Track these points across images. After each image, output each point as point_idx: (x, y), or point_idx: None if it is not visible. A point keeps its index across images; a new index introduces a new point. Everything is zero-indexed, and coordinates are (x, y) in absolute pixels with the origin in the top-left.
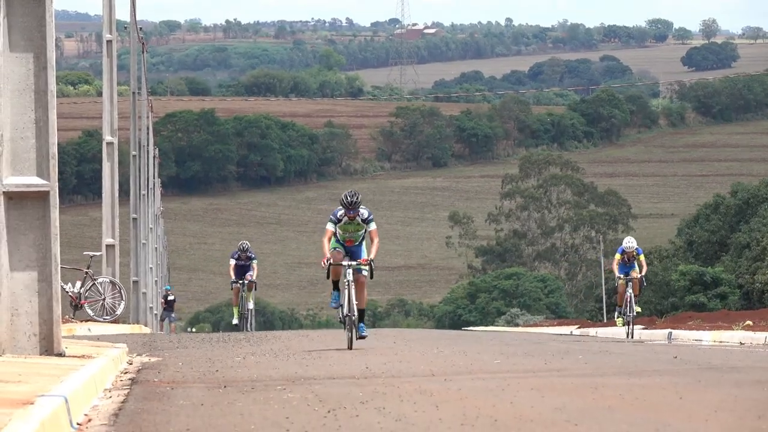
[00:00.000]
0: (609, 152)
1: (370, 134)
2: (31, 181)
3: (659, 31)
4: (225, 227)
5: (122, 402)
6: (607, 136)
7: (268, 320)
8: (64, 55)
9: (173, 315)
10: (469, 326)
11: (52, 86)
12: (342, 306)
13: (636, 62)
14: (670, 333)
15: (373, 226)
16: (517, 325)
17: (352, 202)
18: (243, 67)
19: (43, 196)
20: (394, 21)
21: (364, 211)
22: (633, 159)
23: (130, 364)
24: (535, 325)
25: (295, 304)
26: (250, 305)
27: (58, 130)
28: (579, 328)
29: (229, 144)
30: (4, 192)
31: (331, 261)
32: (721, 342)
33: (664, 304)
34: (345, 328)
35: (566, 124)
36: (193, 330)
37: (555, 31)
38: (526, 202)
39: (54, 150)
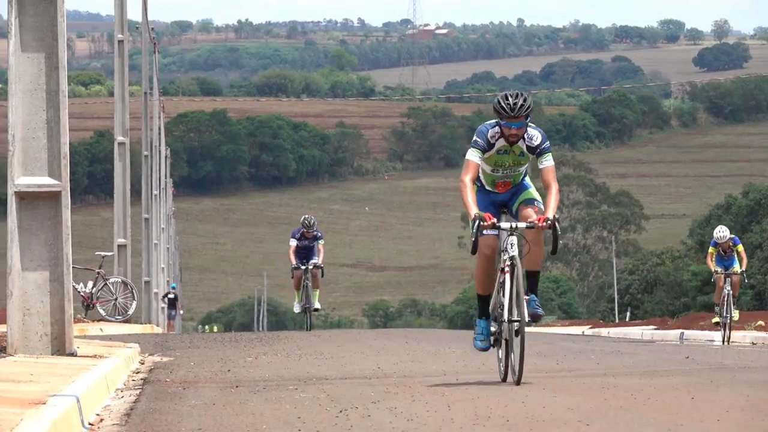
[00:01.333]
0: (621, 153)
1: (382, 134)
2: (42, 181)
3: (671, 32)
4: (237, 227)
5: (134, 402)
6: (619, 136)
7: (280, 320)
8: (75, 56)
9: (173, 312)
10: None
11: (64, 86)
12: (500, 308)
13: (648, 63)
14: (682, 333)
15: (549, 161)
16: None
17: (515, 105)
18: (255, 67)
19: (54, 196)
20: (406, 21)
21: (535, 133)
22: (645, 159)
23: (142, 363)
24: (547, 325)
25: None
26: (317, 304)
27: (69, 130)
28: (591, 328)
29: (241, 144)
30: (15, 192)
31: (484, 222)
32: (733, 342)
33: (676, 304)
34: (495, 345)
35: (578, 125)
36: (205, 329)
37: (566, 31)
38: None
39: (66, 150)
